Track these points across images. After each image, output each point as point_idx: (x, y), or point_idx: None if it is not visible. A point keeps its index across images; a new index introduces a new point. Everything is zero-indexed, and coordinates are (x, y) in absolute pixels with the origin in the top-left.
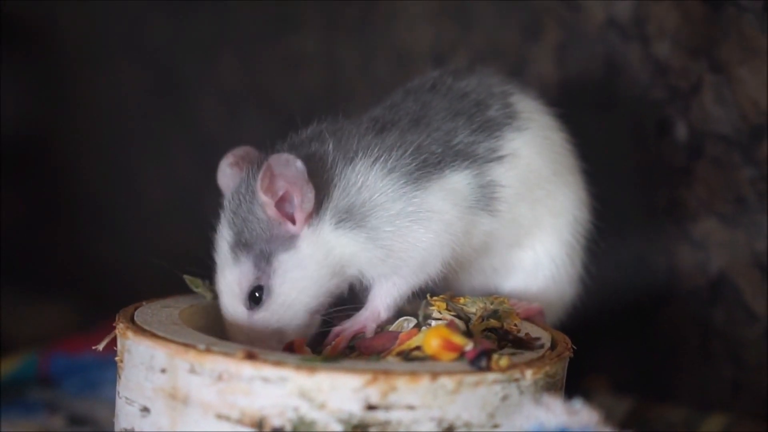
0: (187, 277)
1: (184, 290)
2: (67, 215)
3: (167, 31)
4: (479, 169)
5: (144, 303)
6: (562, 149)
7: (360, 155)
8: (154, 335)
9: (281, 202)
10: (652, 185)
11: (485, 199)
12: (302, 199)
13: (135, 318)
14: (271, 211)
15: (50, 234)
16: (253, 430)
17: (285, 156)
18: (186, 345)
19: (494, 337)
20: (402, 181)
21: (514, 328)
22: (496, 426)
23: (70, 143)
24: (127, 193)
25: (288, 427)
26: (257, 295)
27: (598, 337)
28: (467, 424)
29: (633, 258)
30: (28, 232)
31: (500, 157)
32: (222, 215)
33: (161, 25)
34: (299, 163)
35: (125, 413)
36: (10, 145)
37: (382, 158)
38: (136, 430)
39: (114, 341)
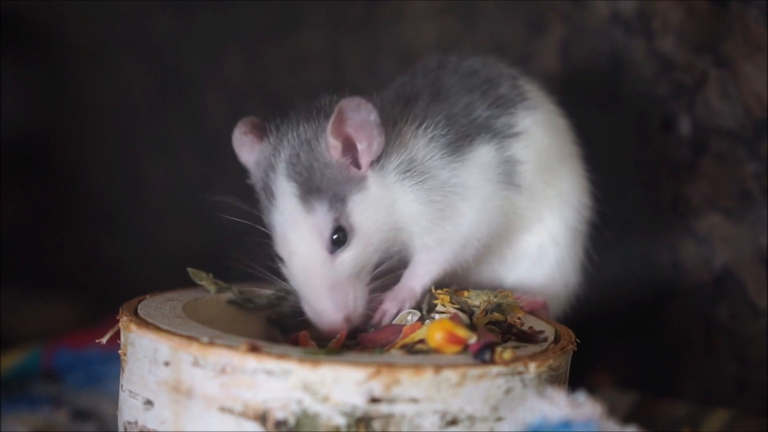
0: (190, 270)
1: (190, 285)
2: (72, 212)
3: (172, 29)
4: (500, 143)
5: (147, 296)
6: (567, 134)
7: (404, 120)
8: (157, 328)
9: (345, 149)
10: (656, 181)
11: (509, 174)
12: (371, 142)
13: (138, 311)
14: (339, 153)
15: (55, 231)
16: (257, 423)
17: (357, 99)
18: (189, 338)
19: (498, 330)
20: (443, 152)
21: (518, 321)
22: (499, 419)
23: (74, 141)
24: (132, 190)
25: (291, 420)
26: (337, 237)
27: (603, 332)
28: (471, 417)
29: (637, 253)
30: (33, 229)
31: (516, 134)
32: (270, 178)
33: (166, 23)
34: (371, 107)
35: (129, 406)
36: (15, 143)
37: (423, 125)
38: (139, 423)
39: (118, 335)
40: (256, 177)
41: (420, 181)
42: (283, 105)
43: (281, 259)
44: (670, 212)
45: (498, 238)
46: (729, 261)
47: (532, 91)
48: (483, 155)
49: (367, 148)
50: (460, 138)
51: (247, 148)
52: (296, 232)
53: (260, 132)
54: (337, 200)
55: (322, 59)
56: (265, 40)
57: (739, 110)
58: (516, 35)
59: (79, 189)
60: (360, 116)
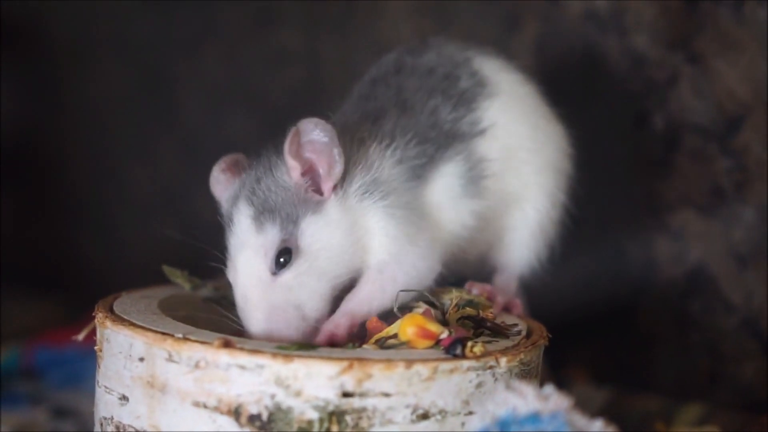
0: (166, 268)
1: (167, 283)
2: (52, 211)
3: (151, 28)
4: (467, 149)
5: (123, 293)
6: (535, 102)
7: (371, 139)
8: (132, 324)
9: (306, 172)
10: (630, 177)
11: (475, 181)
12: (331, 165)
13: (114, 308)
14: (297, 175)
15: (36, 230)
16: (230, 417)
17: (314, 120)
18: (164, 333)
19: (471, 324)
20: (408, 174)
21: (491, 315)
22: (470, 413)
23: (54, 140)
24: (112, 189)
25: (265, 414)
26: (282, 260)
27: (577, 329)
28: (442, 411)
29: (611, 249)
30: (14, 229)
31: (482, 131)
32: (233, 206)
33: (145, 22)
34: (329, 128)
35: (104, 402)
36: None
37: (392, 146)
38: (115, 418)
39: (95, 332)
40: (225, 210)
41: (382, 197)
42: (262, 103)
43: (231, 285)
44: (643, 208)
45: (472, 236)
46: (702, 256)
47: (491, 72)
48: (448, 174)
49: (327, 171)
50: (426, 157)
51: (222, 186)
52: (243, 251)
53: (238, 170)
54: (289, 221)
55: (300, 58)
56: (243, 38)
57: (712, 106)
58: (491, 33)
59: (59, 188)
60: (318, 137)
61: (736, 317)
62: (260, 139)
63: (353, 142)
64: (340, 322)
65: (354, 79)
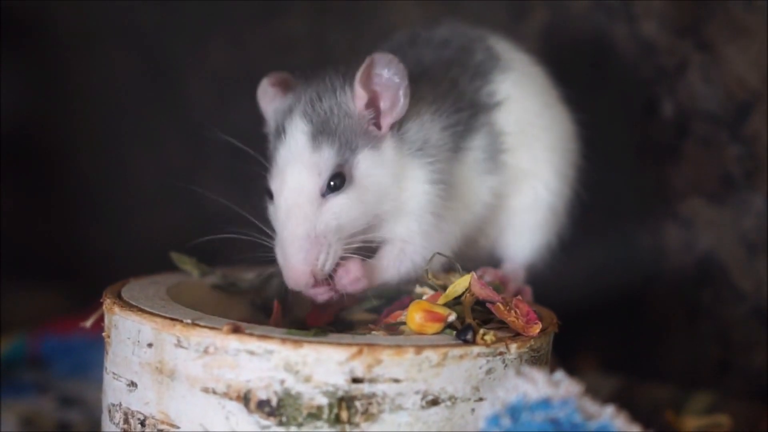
0: (174, 254)
1: (174, 270)
2: (58, 200)
3: (156, 15)
4: (489, 120)
5: (131, 279)
6: (546, 82)
7: (424, 98)
8: (140, 310)
9: (369, 105)
10: (639, 165)
11: (495, 156)
12: (395, 103)
13: (122, 294)
14: (362, 105)
15: (41, 220)
16: (239, 403)
17: (390, 56)
18: (172, 319)
19: (483, 310)
20: (451, 144)
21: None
22: (480, 399)
23: (60, 129)
24: (117, 178)
25: (274, 399)
26: (333, 183)
27: (587, 316)
28: (452, 397)
29: (620, 238)
30: (19, 219)
31: (498, 103)
32: (286, 118)
33: (151, 11)
34: (402, 67)
35: (113, 388)
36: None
37: (438, 111)
38: (123, 405)
39: (102, 320)
40: (270, 123)
41: (430, 162)
42: None
43: (270, 195)
44: (653, 196)
45: (485, 218)
46: (712, 245)
47: (504, 49)
48: (476, 147)
49: (390, 108)
50: (464, 126)
51: (269, 98)
52: (295, 165)
53: (286, 88)
54: (348, 149)
55: (307, 45)
56: (250, 26)
57: (721, 93)
58: (499, 20)
59: (65, 177)
60: (389, 73)
61: (746, 305)
62: (265, 125)
63: (413, 91)
64: (357, 275)
65: (358, 64)
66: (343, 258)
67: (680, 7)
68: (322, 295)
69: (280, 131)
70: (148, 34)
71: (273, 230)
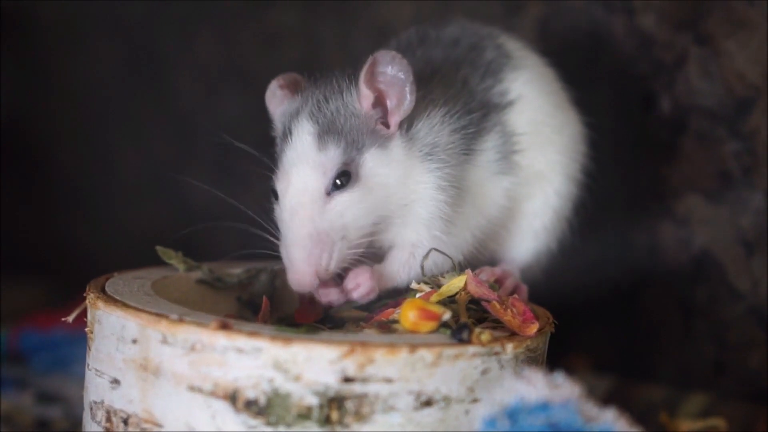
0: (159, 248)
1: (160, 264)
2: (43, 195)
3: (144, 8)
4: (501, 121)
5: (116, 274)
6: (557, 83)
7: (434, 99)
8: (125, 305)
9: (376, 104)
10: (636, 161)
11: (508, 156)
12: (401, 100)
13: (106, 288)
14: (369, 105)
15: (26, 214)
16: (227, 402)
17: (392, 53)
18: (158, 315)
19: (479, 309)
20: (461, 147)
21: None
22: (475, 400)
23: (45, 122)
24: (102, 172)
25: (262, 399)
26: (339, 182)
27: (580, 315)
28: (446, 398)
29: (615, 235)
30: (3, 212)
31: (510, 102)
32: (293, 120)
33: (137, 2)
34: (406, 63)
35: (95, 385)
36: None
37: (448, 114)
38: (106, 402)
39: (85, 314)
40: (278, 126)
41: (439, 167)
42: (256, 84)
43: (276, 195)
44: (648, 193)
45: (498, 221)
46: (708, 243)
47: (515, 48)
48: (488, 148)
49: (396, 106)
50: (475, 128)
51: (277, 101)
52: (301, 165)
53: (295, 90)
54: (354, 148)
55: (296, 37)
56: (238, 18)
57: (720, 89)
58: (493, 12)
59: (49, 170)
60: (393, 71)
61: (743, 305)
62: (255, 121)
63: (420, 89)
64: (368, 287)
65: (351, 59)
66: (351, 264)
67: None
68: (329, 297)
69: (287, 133)
70: (134, 26)
71: (276, 229)
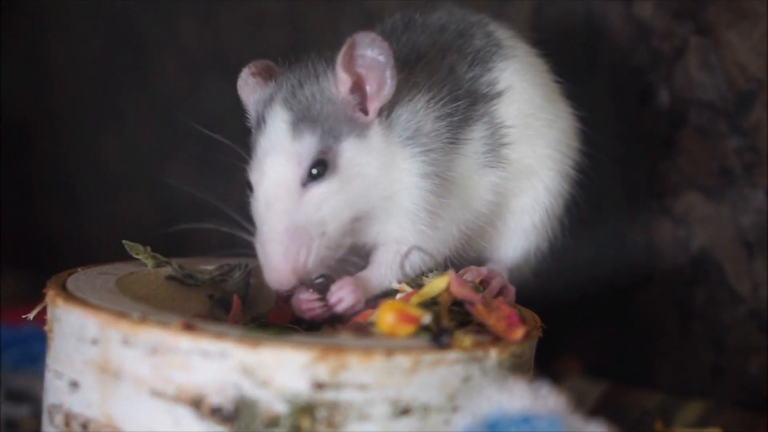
0: (126, 243)
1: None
2: (20, 185)
3: None
4: (489, 111)
5: (79, 269)
6: (548, 75)
7: (418, 82)
8: (85, 303)
9: (354, 89)
10: (632, 157)
11: (496, 149)
12: (381, 85)
13: (67, 285)
14: (346, 90)
15: (4, 204)
16: (190, 408)
17: (372, 34)
18: (119, 314)
19: (461, 311)
20: (447, 134)
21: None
22: (455, 409)
23: (22, 109)
24: (82, 160)
25: (228, 406)
26: (315, 171)
27: (572, 317)
28: (425, 407)
29: (610, 234)
30: None
31: (499, 93)
32: (266, 108)
33: None
34: (386, 44)
35: (54, 388)
36: None
37: (434, 99)
38: (64, 406)
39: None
40: (251, 114)
41: (423, 152)
42: (240, 71)
43: (250, 188)
44: (645, 190)
45: (486, 218)
46: (707, 243)
47: (505, 36)
48: (475, 138)
49: (376, 91)
50: (461, 116)
51: (250, 89)
52: (275, 155)
53: (268, 77)
54: (330, 136)
55: (281, 22)
56: (221, 2)
57: (721, 81)
58: (486, 1)
59: (28, 159)
60: (373, 54)
61: (743, 308)
62: (238, 108)
63: (402, 72)
64: (353, 299)
65: (338, 46)
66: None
67: None
68: (313, 312)
69: (261, 121)
70: (116, 9)
71: (252, 223)
